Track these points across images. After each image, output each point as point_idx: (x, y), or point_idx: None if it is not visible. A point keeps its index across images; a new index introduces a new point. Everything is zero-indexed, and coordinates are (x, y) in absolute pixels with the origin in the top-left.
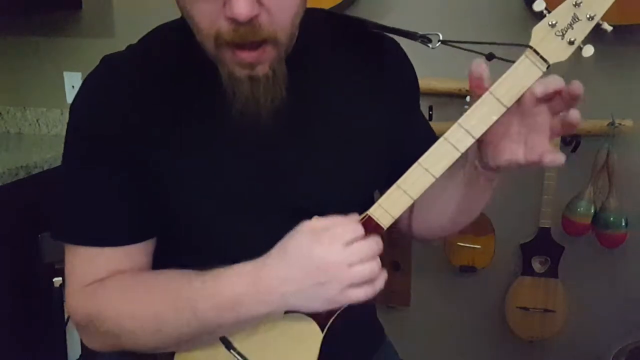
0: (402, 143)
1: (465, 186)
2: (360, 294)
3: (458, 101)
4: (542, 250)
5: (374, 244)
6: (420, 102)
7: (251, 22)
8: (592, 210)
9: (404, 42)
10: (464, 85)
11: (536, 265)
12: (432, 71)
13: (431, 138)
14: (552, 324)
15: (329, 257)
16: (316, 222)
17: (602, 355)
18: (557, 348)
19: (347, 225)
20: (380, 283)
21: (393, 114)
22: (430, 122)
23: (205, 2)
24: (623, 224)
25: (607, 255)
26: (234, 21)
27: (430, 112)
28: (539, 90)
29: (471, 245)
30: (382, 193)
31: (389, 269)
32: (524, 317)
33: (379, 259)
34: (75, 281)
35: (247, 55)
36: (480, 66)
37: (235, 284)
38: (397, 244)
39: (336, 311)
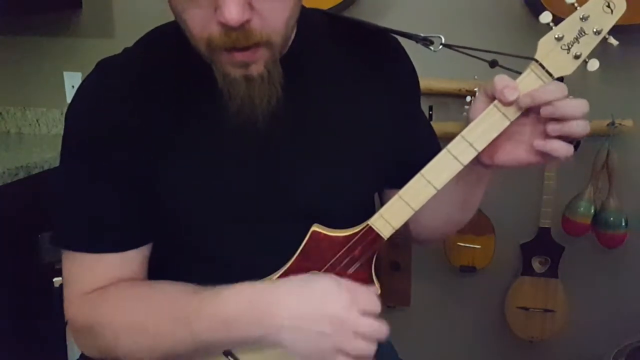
0: (403, 144)
1: (455, 184)
2: None
3: (458, 101)
4: (542, 250)
5: (383, 328)
6: (420, 101)
7: (243, 27)
8: (592, 210)
9: (404, 42)
10: (464, 85)
11: (536, 265)
12: (432, 71)
13: (432, 139)
14: (552, 324)
15: (345, 316)
16: (343, 280)
17: (602, 355)
18: (557, 348)
19: (369, 296)
20: None
21: (394, 114)
22: (430, 122)
23: (197, 7)
24: (623, 224)
25: (607, 255)
26: (225, 26)
27: (430, 112)
28: (524, 103)
29: (471, 245)
30: (381, 195)
31: (389, 269)
32: (524, 317)
33: (376, 346)
34: (74, 288)
35: (239, 55)
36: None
37: (233, 302)
38: (397, 244)
39: None
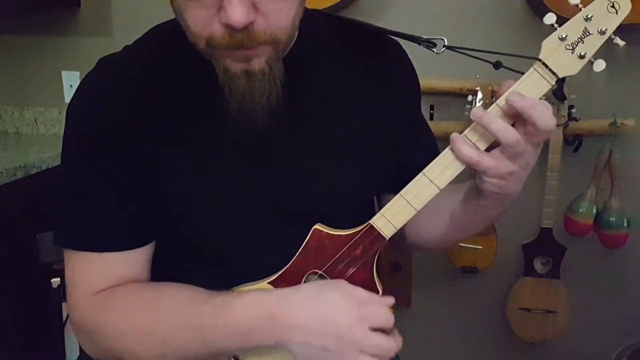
0: (402, 146)
1: (462, 203)
2: None
3: (459, 100)
4: (544, 250)
5: (392, 345)
6: (422, 101)
7: (247, 28)
8: (594, 211)
9: (405, 41)
10: (465, 84)
11: (538, 266)
12: (433, 71)
13: (431, 142)
14: (554, 325)
15: (351, 334)
16: (355, 291)
17: (603, 356)
18: (559, 349)
19: (380, 310)
20: None
21: (393, 116)
22: (431, 122)
23: (200, 7)
24: (625, 224)
25: (609, 255)
26: (229, 27)
27: (432, 112)
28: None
29: (473, 246)
30: (380, 199)
31: (390, 270)
32: (525, 318)
33: None
34: (78, 289)
35: (242, 52)
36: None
37: (246, 315)
38: (398, 245)
39: None
